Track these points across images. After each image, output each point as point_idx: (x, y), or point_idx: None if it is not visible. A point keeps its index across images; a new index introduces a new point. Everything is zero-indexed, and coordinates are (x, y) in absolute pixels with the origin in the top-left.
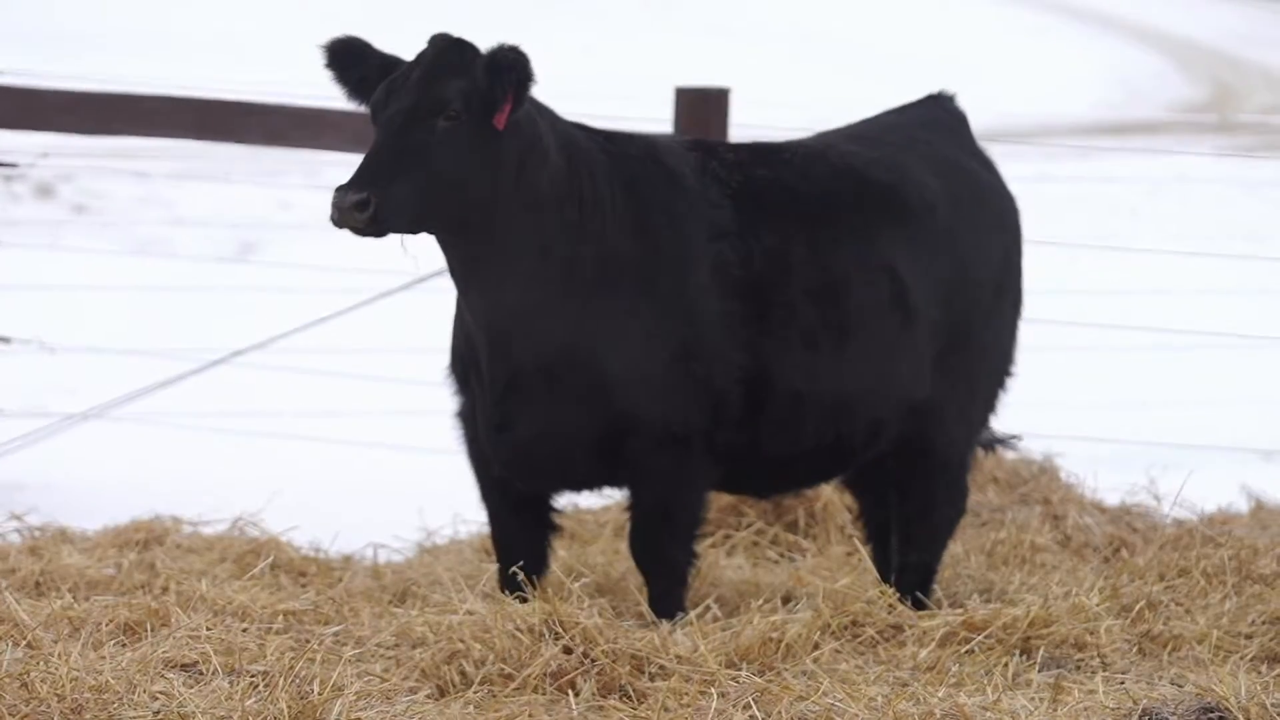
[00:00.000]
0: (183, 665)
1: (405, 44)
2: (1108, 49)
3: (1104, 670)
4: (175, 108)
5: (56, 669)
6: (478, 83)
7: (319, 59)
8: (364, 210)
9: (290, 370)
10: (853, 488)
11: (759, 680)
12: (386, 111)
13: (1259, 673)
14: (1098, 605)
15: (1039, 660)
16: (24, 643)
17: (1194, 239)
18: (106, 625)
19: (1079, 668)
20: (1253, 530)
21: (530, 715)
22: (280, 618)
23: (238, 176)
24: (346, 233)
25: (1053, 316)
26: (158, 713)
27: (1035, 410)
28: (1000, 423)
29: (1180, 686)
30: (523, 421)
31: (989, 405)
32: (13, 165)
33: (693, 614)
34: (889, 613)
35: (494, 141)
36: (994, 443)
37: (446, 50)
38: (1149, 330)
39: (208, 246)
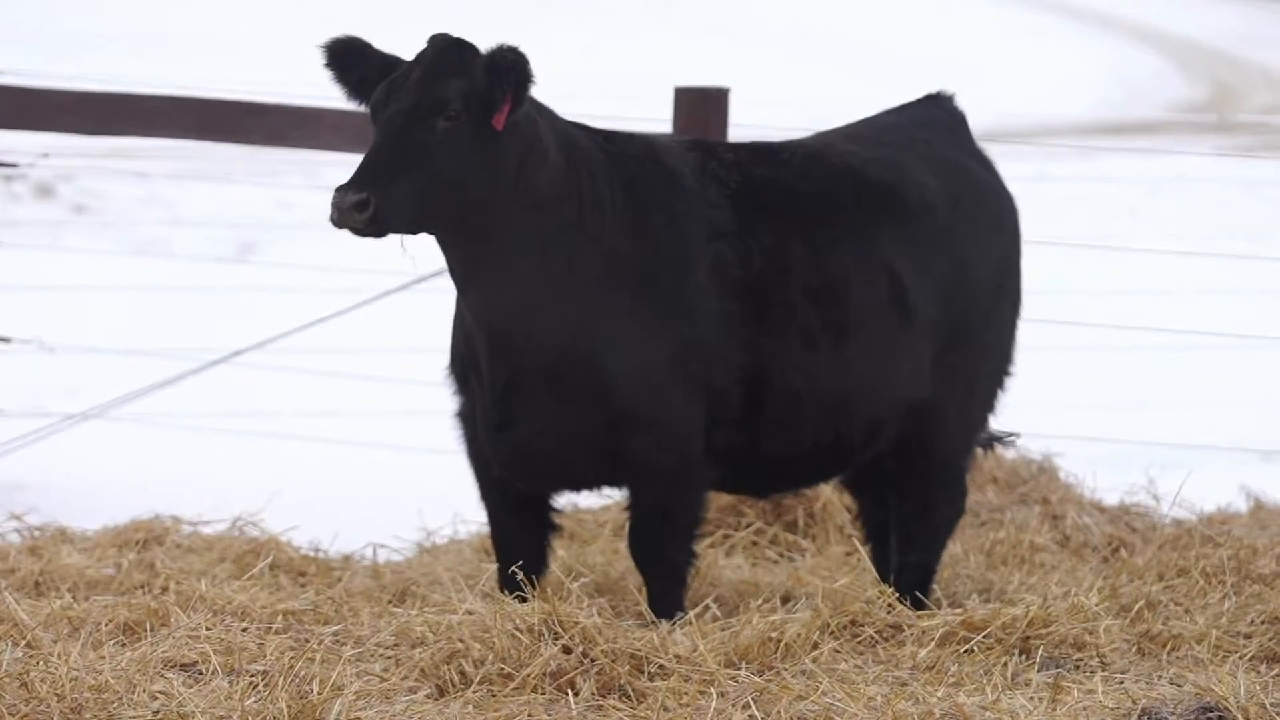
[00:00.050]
0: (182, 665)
1: (405, 44)
2: (1108, 49)
3: (1103, 670)
4: (175, 108)
5: (56, 669)
6: (477, 83)
7: (319, 59)
8: (364, 210)
9: (290, 370)
10: (852, 487)
11: (758, 680)
12: (386, 111)
13: (1258, 672)
14: (1097, 605)
15: (1038, 660)
16: (24, 642)
17: (1193, 239)
18: (106, 625)
19: (1078, 667)
20: (1252, 530)
21: (530, 715)
22: (280, 617)
23: (238, 176)
24: (346, 233)
25: (1052, 316)
26: (157, 712)
27: (1034, 410)
28: (999, 422)
29: (1179, 686)
30: (522, 421)
31: (988, 405)
32: (13, 165)
33: (692, 614)
34: (888, 612)
35: (493, 141)
36: (991, 441)
37: (446, 50)
38: (1148, 330)
39: (207, 247)
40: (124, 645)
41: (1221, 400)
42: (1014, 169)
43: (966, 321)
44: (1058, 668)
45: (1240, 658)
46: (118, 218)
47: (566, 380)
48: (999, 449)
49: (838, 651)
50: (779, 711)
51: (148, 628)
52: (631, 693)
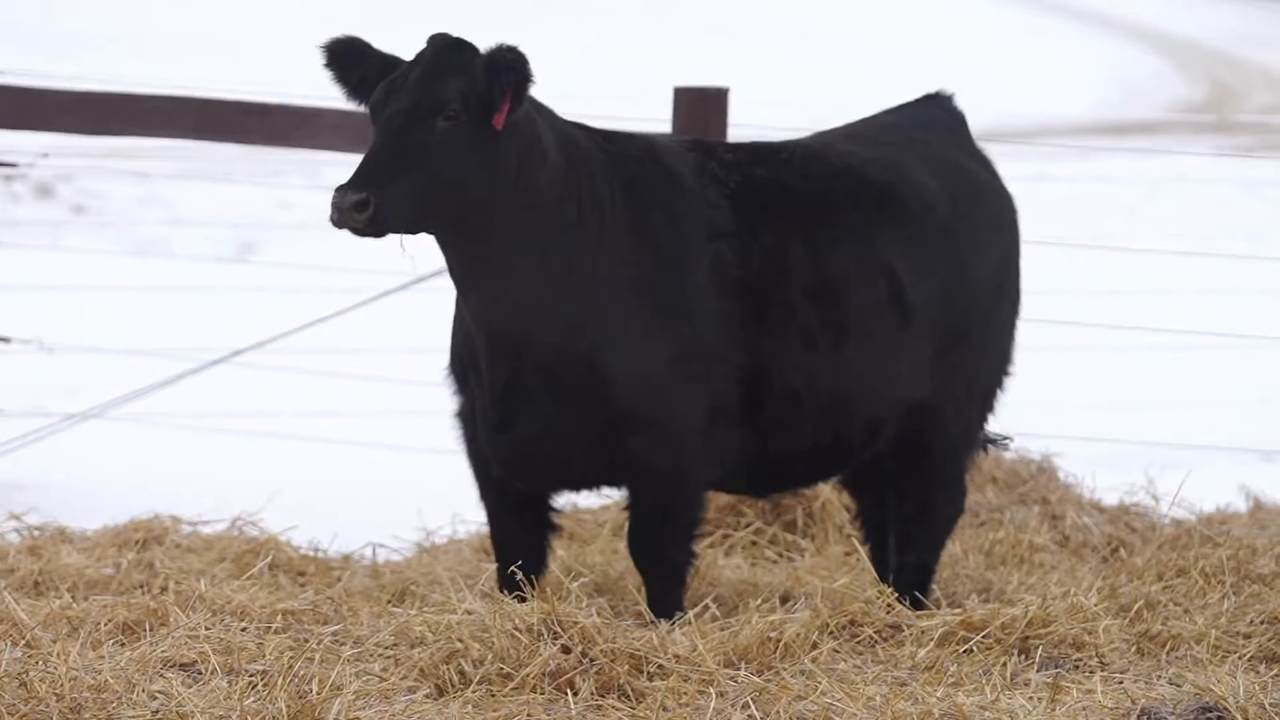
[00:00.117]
0: (181, 665)
1: (405, 44)
2: (1107, 49)
3: (1102, 670)
4: (175, 108)
5: (55, 668)
6: (477, 83)
7: (319, 59)
8: (363, 210)
9: (290, 370)
10: (851, 487)
11: (757, 680)
12: (386, 111)
13: (1257, 672)
14: (1096, 605)
15: (1037, 660)
16: (23, 642)
17: (1193, 239)
18: (105, 625)
19: (1077, 667)
20: (1251, 530)
21: (529, 715)
22: (279, 617)
23: (238, 176)
24: (346, 233)
25: (1051, 316)
26: (156, 712)
27: (1034, 410)
28: (999, 422)
29: (1178, 686)
30: (522, 421)
31: (987, 405)
32: (13, 165)
33: (691, 613)
34: (887, 612)
35: (493, 141)
36: (985, 443)
37: (446, 50)
38: (1147, 330)
39: (207, 246)
40: (123, 645)
41: (1221, 400)
42: (1013, 169)
43: (966, 321)
44: (1057, 668)
45: (1239, 658)
46: (117, 218)
47: (566, 380)
48: (994, 451)
49: (837, 651)
50: (778, 711)
51: (147, 627)
52: (631, 692)
